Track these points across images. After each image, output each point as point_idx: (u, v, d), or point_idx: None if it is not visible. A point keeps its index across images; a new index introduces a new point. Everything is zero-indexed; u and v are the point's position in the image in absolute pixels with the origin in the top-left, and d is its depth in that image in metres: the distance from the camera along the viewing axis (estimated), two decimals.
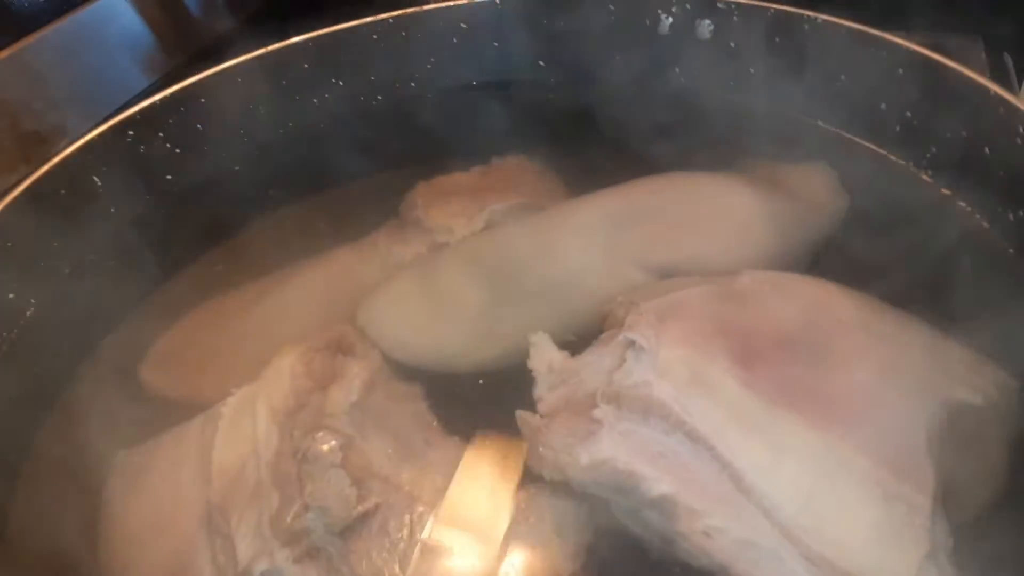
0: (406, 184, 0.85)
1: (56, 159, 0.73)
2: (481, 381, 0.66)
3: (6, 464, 0.63)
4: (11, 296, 0.70)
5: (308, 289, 0.79)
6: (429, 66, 0.95)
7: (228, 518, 0.52)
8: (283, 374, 0.63)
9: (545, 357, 0.59)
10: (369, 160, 0.89)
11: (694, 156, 0.78)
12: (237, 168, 0.90)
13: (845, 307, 0.59)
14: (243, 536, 0.50)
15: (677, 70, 0.90)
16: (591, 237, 0.69)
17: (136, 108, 0.81)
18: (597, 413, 0.53)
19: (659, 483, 0.49)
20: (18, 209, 0.67)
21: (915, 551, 0.47)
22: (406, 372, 0.68)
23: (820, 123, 0.84)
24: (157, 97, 0.82)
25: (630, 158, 0.78)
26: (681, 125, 0.81)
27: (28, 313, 0.70)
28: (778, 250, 0.69)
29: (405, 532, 0.50)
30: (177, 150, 0.84)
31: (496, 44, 0.95)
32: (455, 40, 0.94)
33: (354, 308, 0.73)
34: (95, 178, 0.75)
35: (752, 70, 0.85)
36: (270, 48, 0.87)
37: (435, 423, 0.63)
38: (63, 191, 0.72)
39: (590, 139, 0.86)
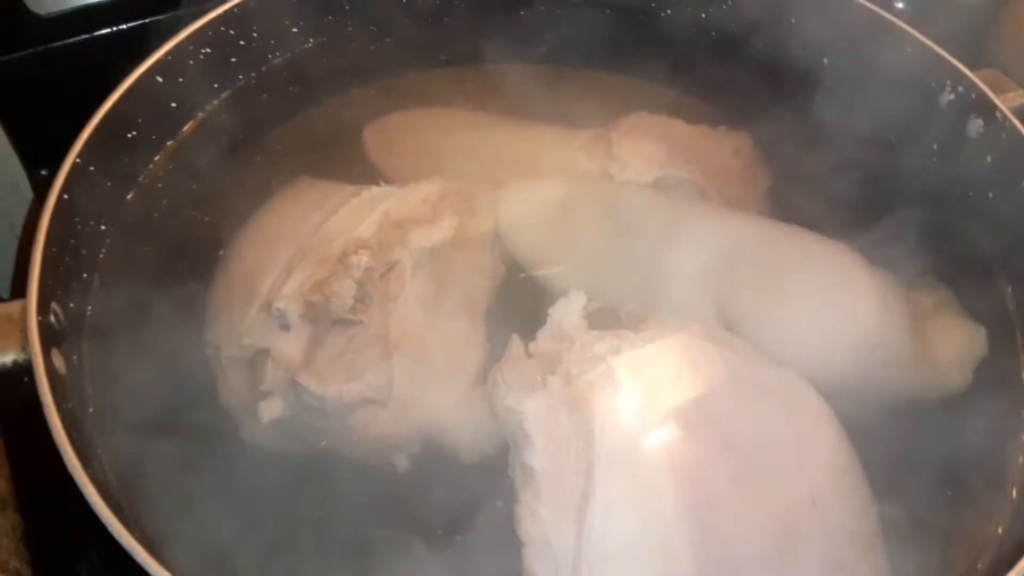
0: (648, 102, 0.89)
1: None
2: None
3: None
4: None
5: (512, 143, 0.90)
6: None
7: (300, 261, 0.70)
8: (417, 195, 0.77)
9: (567, 312, 0.66)
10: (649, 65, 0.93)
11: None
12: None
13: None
14: (294, 279, 0.68)
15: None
16: (699, 253, 0.70)
17: None
18: (549, 379, 0.60)
19: (537, 457, 0.57)
20: None
21: None
22: (504, 256, 0.78)
23: None
24: None
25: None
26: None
27: (307, 45, 0.91)
28: (853, 383, 0.65)
29: (359, 356, 0.64)
30: None
31: None
32: None
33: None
34: None
35: None
36: None
37: (481, 305, 0.74)
38: None
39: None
